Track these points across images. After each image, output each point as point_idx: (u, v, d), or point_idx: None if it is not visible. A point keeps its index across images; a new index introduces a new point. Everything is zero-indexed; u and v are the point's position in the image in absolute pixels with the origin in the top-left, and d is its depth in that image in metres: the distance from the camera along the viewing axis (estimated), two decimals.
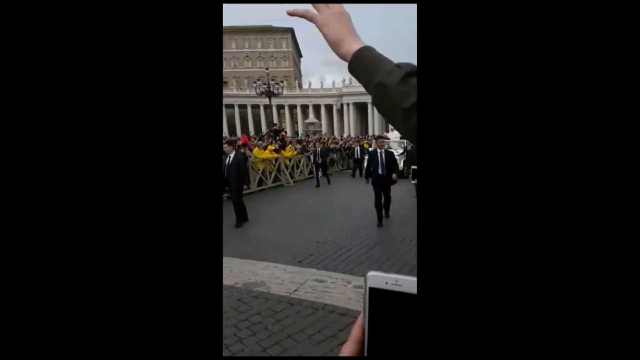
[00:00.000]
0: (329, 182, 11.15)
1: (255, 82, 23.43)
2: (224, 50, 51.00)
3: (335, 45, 0.59)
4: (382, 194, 6.09)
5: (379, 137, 6.52)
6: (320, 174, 11.40)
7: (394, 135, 15.77)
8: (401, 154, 11.79)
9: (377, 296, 0.34)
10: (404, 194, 7.46)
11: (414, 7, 0.44)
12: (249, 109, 45.02)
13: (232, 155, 6.17)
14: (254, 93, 26.22)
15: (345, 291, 3.40)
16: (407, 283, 0.34)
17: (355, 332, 0.35)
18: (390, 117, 0.54)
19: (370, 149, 12.17)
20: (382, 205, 6.11)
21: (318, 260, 4.29)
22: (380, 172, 6.00)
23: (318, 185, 10.84)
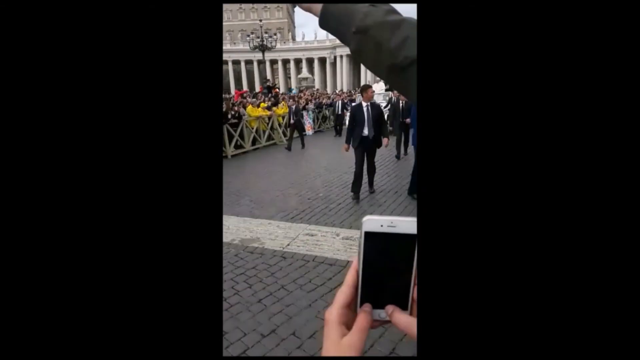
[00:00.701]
0: (303, 145, 9.82)
1: (248, 36, 22.33)
2: None
3: (306, 7, 0.55)
4: (366, 159, 4.88)
5: (366, 86, 4.97)
6: (299, 134, 9.96)
7: (378, 87, 14.29)
8: (385, 107, 10.43)
9: (372, 239, 0.34)
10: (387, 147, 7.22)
11: (414, 7, 0.44)
12: (243, 65, 43.49)
13: None
14: (247, 48, 25.17)
15: (334, 243, 3.58)
16: (402, 224, 0.34)
17: (350, 276, 0.36)
18: (376, 63, 0.49)
19: (354, 103, 10.22)
20: (366, 173, 4.95)
21: (309, 215, 4.44)
22: (366, 132, 4.68)
23: (289, 148, 9.44)
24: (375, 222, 0.35)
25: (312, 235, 3.80)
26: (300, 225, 4.13)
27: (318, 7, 0.52)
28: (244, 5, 48.86)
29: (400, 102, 7.69)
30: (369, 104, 4.73)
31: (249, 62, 42.69)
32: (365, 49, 0.48)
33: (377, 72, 0.50)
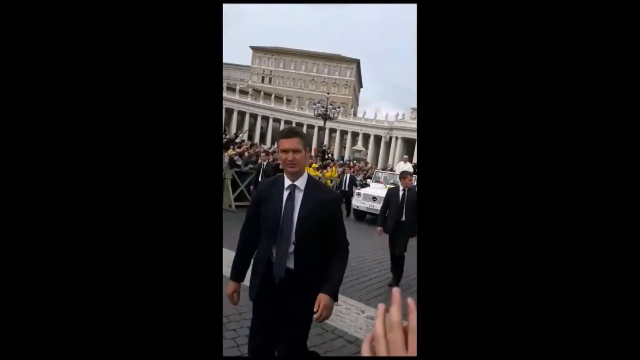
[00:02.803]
0: (348, 213, 8.67)
1: (315, 104, 24.15)
2: (295, 72, 53.79)
3: None
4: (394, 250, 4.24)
5: (405, 173, 4.43)
6: None
7: (406, 167, 11.38)
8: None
9: None
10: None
11: (413, 7, 0.44)
12: (304, 128, 46.35)
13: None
14: (312, 114, 27.06)
15: (358, 320, 3.29)
16: None
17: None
18: None
19: (370, 179, 9.35)
20: None
21: None
22: (403, 218, 4.15)
23: None
24: None
25: (336, 305, 3.55)
26: None
27: None
28: (316, 78, 53.74)
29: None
30: (405, 189, 4.35)
31: (310, 127, 45.47)
32: None
33: None
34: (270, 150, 11.41)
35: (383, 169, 16.66)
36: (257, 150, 9.88)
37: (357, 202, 9.10)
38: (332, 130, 45.73)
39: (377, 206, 6.66)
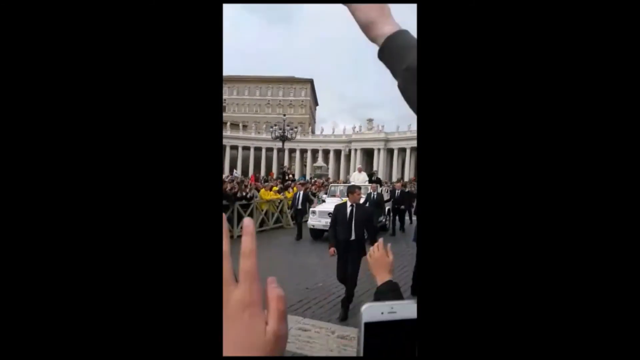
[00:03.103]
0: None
1: (272, 127, 24.22)
2: (249, 97, 53.63)
3: (366, 29, 0.54)
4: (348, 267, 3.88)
5: (353, 187, 4.33)
6: None
7: (361, 177, 11.52)
8: (364, 202, 7.50)
9: (373, 330, 0.32)
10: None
11: (413, 7, 0.45)
12: (263, 152, 46.16)
13: None
14: (270, 137, 27.07)
15: (328, 341, 3.22)
16: (402, 307, 0.33)
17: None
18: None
19: (326, 194, 10.43)
20: None
21: (306, 307, 4.12)
22: (352, 236, 3.90)
23: (300, 236, 8.73)
24: (375, 310, 0.32)
25: (305, 331, 3.45)
26: (293, 317, 3.79)
27: (382, 39, 0.54)
28: (271, 101, 54.11)
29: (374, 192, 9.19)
30: (354, 205, 4.02)
31: (269, 150, 45.39)
32: (411, 86, 0.49)
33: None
34: (227, 179, 11.20)
35: (344, 182, 16.18)
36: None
37: (312, 221, 8.72)
38: (292, 151, 45.95)
39: None
